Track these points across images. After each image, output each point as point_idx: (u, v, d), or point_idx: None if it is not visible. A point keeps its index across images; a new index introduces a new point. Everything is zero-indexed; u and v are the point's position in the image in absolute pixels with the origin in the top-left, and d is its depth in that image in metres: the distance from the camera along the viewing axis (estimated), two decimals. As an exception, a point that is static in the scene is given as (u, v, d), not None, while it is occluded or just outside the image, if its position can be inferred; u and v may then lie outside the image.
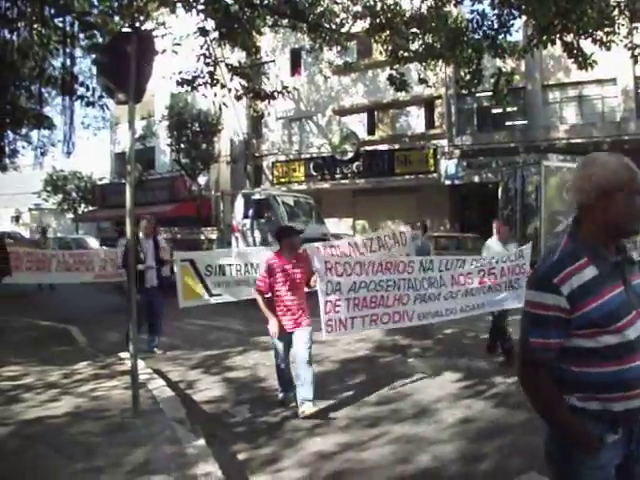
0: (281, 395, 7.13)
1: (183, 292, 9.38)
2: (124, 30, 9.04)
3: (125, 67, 6.01)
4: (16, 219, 54.66)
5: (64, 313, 14.77)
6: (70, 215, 43.69)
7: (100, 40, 11.42)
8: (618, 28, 11.71)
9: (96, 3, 11.38)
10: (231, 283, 9.80)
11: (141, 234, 10.09)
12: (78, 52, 13.52)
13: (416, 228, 12.80)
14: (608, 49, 11.76)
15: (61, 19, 10.86)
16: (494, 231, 9.67)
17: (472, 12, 12.12)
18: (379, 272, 7.57)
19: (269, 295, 6.92)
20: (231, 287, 9.80)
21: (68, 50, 11.36)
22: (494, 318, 9.16)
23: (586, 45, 11.91)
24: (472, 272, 8.43)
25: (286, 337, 6.78)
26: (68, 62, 11.60)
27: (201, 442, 5.38)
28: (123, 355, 9.06)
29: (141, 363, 7.87)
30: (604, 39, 11.60)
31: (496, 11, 11.81)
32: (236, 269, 9.84)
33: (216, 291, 9.65)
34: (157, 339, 10.28)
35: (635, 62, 12.58)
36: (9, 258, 13.39)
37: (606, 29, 11.48)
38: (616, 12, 11.65)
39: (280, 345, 6.86)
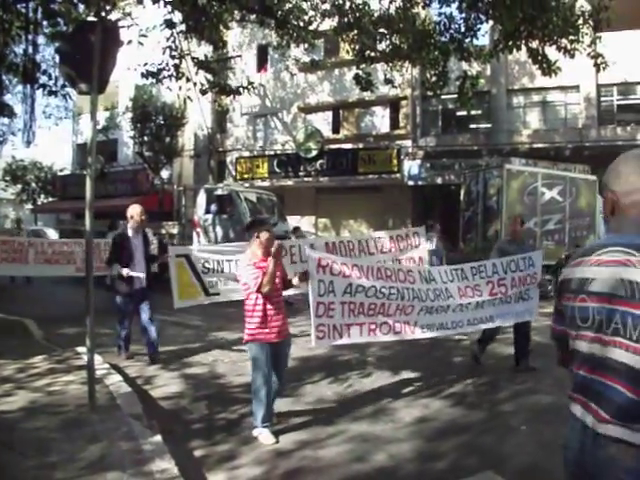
0: (261, 431, 5.75)
1: (178, 291, 8.71)
2: (89, 19, 8.92)
3: (88, 57, 5.92)
4: (-27, 208, 53.62)
5: (35, 309, 13.47)
6: (29, 206, 42.96)
7: (64, 28, 11.25)
8: (582, 37, 11.90)
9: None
10: (230, 281, 8.82)
11: (130, 228, 9.15)
12: (41, 39, 13.32)
13: (433, 230, 12.06)
14: (572, 57, 11.94)
15: (24, 5, 10.68)
16: (504, 232, 9.59)
17: (440, 15, 12.28)
18: (380, 279, 6.78)
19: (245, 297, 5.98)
20: (230, 286, 8.84)
21: (30, 37, 11.18)
22: (516, 327, 8.52)
23: (551, 52, 12.09)
24: (480, 284, 7.71)
25: (268, 347, 5.80)
26: (30, 49, 11.42)
27: (157, 438, 5.33)
28: (80, 349, 8.93)
29: (98, 358, 7.77)
30: (568, 47, 11.79)
31: (463, 15, 11.92)
32: (236, 265, 8.79)
33: (214, 290, 8.99)
34: (156, 344, 9.08)
35: (597, 70, 12.75)
36: None
37: (570, 37, 11.66)
38: (580, 21, 11.83)
39: (263, 357, 5.76)
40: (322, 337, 6.31)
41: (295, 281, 6.29)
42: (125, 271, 8.79)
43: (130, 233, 9.12)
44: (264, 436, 5.65)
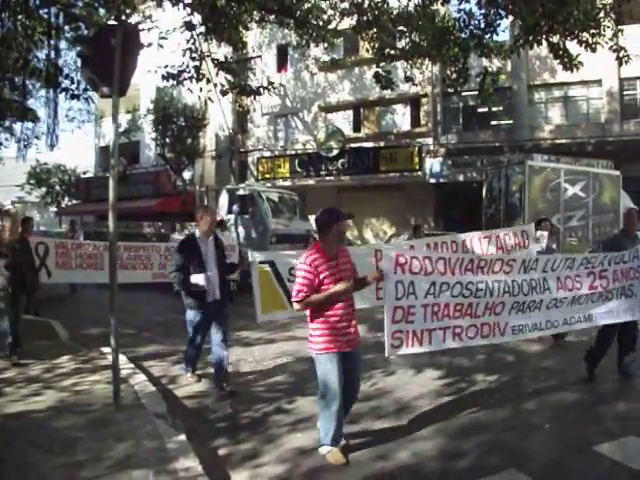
0: (330, 449, 5.27)
1: (262, 303, 7.69)
2: (109, 23, 9.00)
3: (109, 60, 5.99)
4: (-1, 212, 54.15)
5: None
6: (53, 209, 43.38)
7: (85, 32, 11.35)
8: (603, 30, 11.78)
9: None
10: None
11: (197, 232, 7.71)
12: (63, 44, 13.47)
13: (543, 227, 10.89)
14: (594, 51, 11.83)
15: (46, 10, 10.80)
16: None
17: (459, 11, 12.17)
18: (468, 271, 6.06)
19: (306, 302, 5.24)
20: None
21: (53, 42, 11.31)
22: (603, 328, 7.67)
23: (572, 46, 11.97)
24: (581, 274, 6.98)
25: (339, 357, 5.22)
26: (53, 54, 11.55)
27: (182, 437, 5.39)
28: (105, 350, 9.02)
29: (123, 358, 7.86)
30: (590, 41, 11.67)
31: (483, 11, 11.85)
32: None
33: None
34: (226, 371, 7.71)
35: (620, 64, 12.62)
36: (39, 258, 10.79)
37: (592, 31, 11.54)
38: (602, 14, 11.72)
39: (334, 369, 5.17)
40: (398, 345, 5.64)
41: (370, 279, 5.70)
42: (194, 279, 7.33)
43: (199, 237, 7.61)
44: (334, 454, 5.20)
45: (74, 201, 40.21)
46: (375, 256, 8.21)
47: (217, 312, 7.56)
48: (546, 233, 10.87)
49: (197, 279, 7.30)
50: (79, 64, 15.92)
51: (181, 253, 7.57)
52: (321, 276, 5.15)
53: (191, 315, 7.62)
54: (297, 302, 5.23)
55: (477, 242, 9.00)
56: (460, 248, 8.79)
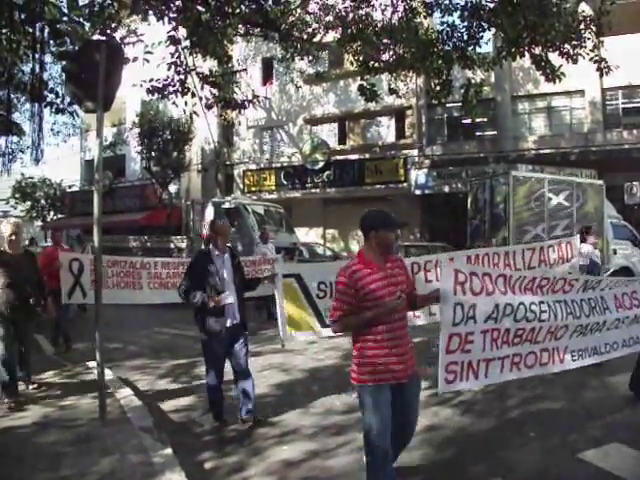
0: None
1: (289, 321, 7.06)
2: (93, 38, 9.00)
3: (93, 75, 6.01)
4: (-17, 226, 53.85)
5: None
6: (39, 223, 43.20)
7: (70, 47, 11.35)
8: (584, 42, 11.93)
9: (66, 11, 11.30)
10: None
11: (213, 250, 6.70)
12: (48, 58, 13.42)
13: (587, 236, 10.29)
14: (575, 62, 11.98)
15: (31, 25, 10.79)
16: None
17: (442, 24, 12.36)
18: (528, 291, 5.20)
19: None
20: None
21: (38, 56, 11.29)
22: None
23: (554, 58, 12.12)
24: (637, 290, 6.24)
25: (388, 390, 4.41)
26: (37, 68, 11.52)
27: (168, 451, 5.38)
28: (91, 364, 8.99)
29: (109, 372, 7.84)
30: (571, 52, 11.82)
31: (466, 23, 11.99)
32: None
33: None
34: (254, 403, 6.70)
35: (601, 75, 12.79)
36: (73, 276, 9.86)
37: (573, 42, 11.70)
38: (582, 26, 11.88)
39: (381, 404, 4.38)
40: (452, 380, 4.78)
41: (422, 302, 4.87)
42: (225, 298, 6.39)
43: (213, 253, 6.64)
44: None
45: (59, 215, 40.07)
46: (424, 270, 7.62)
47: (236, 337, 6.59)
48: (590, 245, 10.29)
49: (227, 298, 6.38)
50: (64, 78, 15.91)
51: (194, 272, 6.61)
52: (363, 292, 4.30)
53: (204, 339, 6.59)
54: (332, 321, 4.49)
55: (520, 255, 8.44)
56: (502, 261, 8.20)
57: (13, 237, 7.51)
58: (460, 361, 4.79)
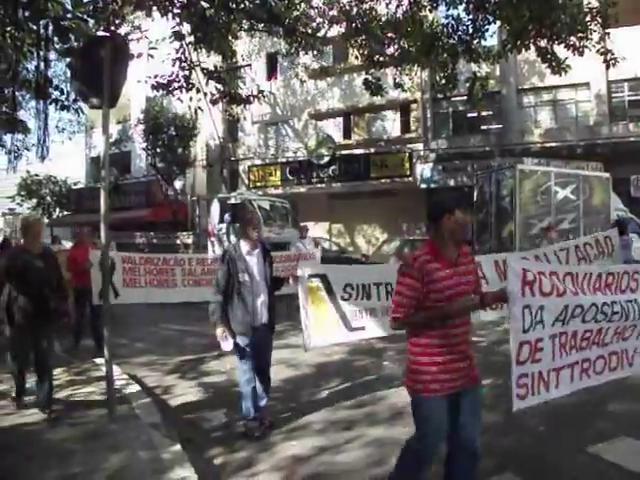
0: None
1: (313, 324, 6.67)
2: (98, 35, 8.99)
3: (99, 72, 6.00)
4: (-11, 223, 54.05)
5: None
6: (45, 220, 43.29)
7: (75, 44, 11.34)
8: (590, 34, 11.88)
9: (70, 8, 11.29)
10: (378, 312, 6.98)
11: (244, 244, 6.30)
12: (52, 55, 13.43)
13: (626, 230, 9.50)
14: (581, 54, 11.93)
15: (35, 22, 10.79)
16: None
17: (447, 17, 12.31)
18: (598, 291, 4.65)
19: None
20: (378, 317, 6.98)
21: (42, 53, 11.29)
22: None
23: (559, 50, 12.06)
24: None
25: (444, 401, 3.90)
26: (42, 65, 11.52)
27: (177, 447, 5.38)
28: (98, 361, 9.00)
29: (117, 369, 7.83)
30: (577, 44, 11.77)
31: (471, 16, 11.94)
32: (386, 290, 6.97)
33: (357, 323, 6.94)
34: (265, 404, 6.47)
35: (607, 67, 12.74)
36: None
37: (579, 34, 11.64)
38: (588, 18, 11.81)
39: (437, 417, 3.89)
40: (524, 395, 4.23)
41: (489, 300, 4.10)
42: (219, 333, 6.08)
43: (244, 248, 6.28)
44: None
45: (65, 212, 40.14)
46: (495, 268, 7.22)
47: (263, 338, 6.29)
48: (630, 237, 9.59)
49: (227, 345, 6.09)
50: (69, 75, 15.90)
51: (225, 269, 6.16)
52: (431, 286, 3.77)
53: (239, 340, 6.15)
54: (395, 320, 3.90)
55: (553, 256, 7.99)
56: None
57: (36, 235, 6.82)
58: (530, 373, 4.25)
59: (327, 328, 6.77)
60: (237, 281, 6.09)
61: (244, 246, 6.27)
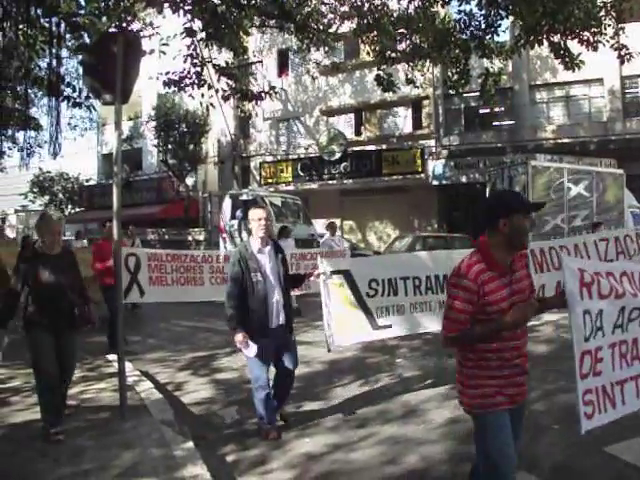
0: None
1: (336, 322, 6.47)
2: (110, 31, 9.00)
3: (111, 68, 6.00)
4: (2, 220, 54.33)
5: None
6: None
7: (87, 41, 11.37)
8: (605, 29, 11.77)
9: (83, 4, 11.32)
10: (406, 308, 6.80)
11: (254, 239, 6.03)
12: (64, 52, 13.49)
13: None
14: (595, 49, 11.81)
15: (47, 20, 10.82)
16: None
17: (459, 12, 12.19)
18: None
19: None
20: (406, 314, 6.78)
21: (54, 51, 11.32)
22: None
23: (573, 45, 11.96)
24: None
25: (507, 415, 3.52)
26: (54, 63, 11.55)
27: (189, 444, 5.37)
28: (110, 357, 9.02)
29: (129, 365, 7.85)
30: (591, 39, 11.66)
31: (483, 11, 11.85)
32: (414, 284, 6.83)
33: (383, 321, 6.71)
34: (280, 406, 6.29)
35: (622, 62, 12.62)
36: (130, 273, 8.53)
37: (593, 30, 11.53)
38: (602, 13, 11.70)
39: (503, 433, 3.49)
40: (592, 414, 3.72)
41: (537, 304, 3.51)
42: (240, 339, 5.74)
43: (254, 246, 6.01)
44: None
45: (77, 209, 40.32)
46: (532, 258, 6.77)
47: (282, 340, 5.99)
48: None
49: (251, 351, 5.77)
50: (81, 72, 15.93)
51: (237, 270, 5.90)
52: (487, 298, 3.36)
53: (256, 342, 5.81)
54: (448, 338, 3.48)
55: (593, 247, 7.72)
56: (572, 254, 7.36)
57: (57, 235, 6.16)
58: (594, 387, 3.72)
59: (351, 327, 6.54)
60: (250, 281, 5.82)
61: (255, 244, 5.99)
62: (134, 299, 8.79)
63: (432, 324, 6.85)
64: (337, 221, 29.21)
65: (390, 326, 6.71)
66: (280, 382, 6.10)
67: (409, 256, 7.81)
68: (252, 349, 5.72)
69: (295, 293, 8.98)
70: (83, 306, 6.25)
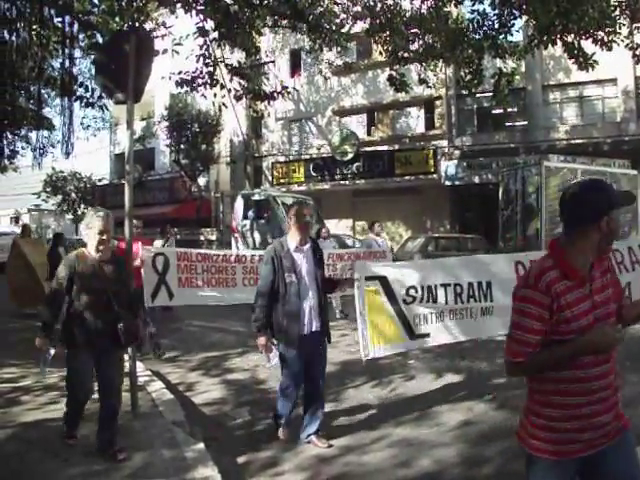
0: None
1: (370, 332, 5.92)
2: (123, 29, 9.01)
3: (124, 66, 5.99)
4: (15, 220, 54.68)
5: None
6: (69, 216, 43.69)
7: (100, 40, 11.40)
8: (619, 28, 11.68)
9: (97, 2, 11.35)
10: (446, 315, 6.28)
11: (292, 236, 5.64)
12: (77, 53, 13.53)
13: None
14: (609, 49, 11.73)
15: (60, 19, 10.86)
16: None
17: (472, 12, 12.14)
18: None
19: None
20: (445, 322, 6.28)
21: (67, 51, 11.36)
22: None
23: (587, 45, 11.88)
24: None
25: (575, 466, 2.79)
26: (67, 63, 11.60)
27: (200, 445, 5.35)
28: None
29: (140, 365, 7.83)
30: (605, 39, 11.58)
31: (497, 11, 11.80)
32: (455, 292, 6.26)
33: (423, 329, 6.18)
34: (317, 424, 5.70)
35: (636, 62, 12.59)
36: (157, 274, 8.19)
37: (607, 29, 11.45)
38: (617, 12, 11.62)
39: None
40: None
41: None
42: (263, 342, 5.49)
43: (291, 244, 5.59)
44: None
45: (90, 208, 40.52)
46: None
47: (314, 347, 5.56)
48: None
49: (272, 357, 5.50)
50: (93, 72, 15.98)
51: (269, 268, 5.50)
52: (562, 314, 2.67)
53: (283, 350, 5.52)
54: (517, 364, 2.80)
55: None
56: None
57: (104, 236, 5.21)
58: None
59: (387, 336, 6.03)
60: (283, 282, 5.40)
61: (292, 242, 5.57)
62: (162, 302, 8.32)
63: (473, 332, 6.61)
64: (349, 222, 29.34)
65: (428, 335, 6.23)
66: (307, 391, 5.74)
67: (450, 261, 7.07)
68: (274, 356, 5.40)
69: (333, 295, 8.93)
70: (131, 320, 5.33)
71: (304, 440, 5.63)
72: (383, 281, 5.97)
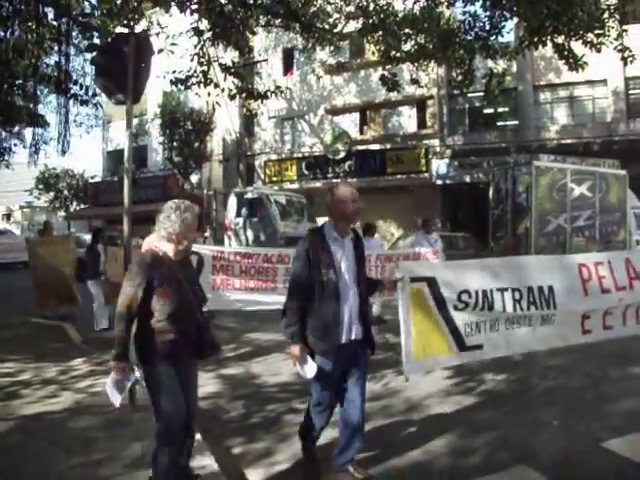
0: None
1: (414, 342, 4.99)
2: (122, 32, 9.11)
3: (123, 68, 6.11)
4: (7, 217, 54.55)
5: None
6: (62, 213, 43.64)
7: (97, 41, 11.49)
8: (608, 30, 11.87)
9: (95, 3, 11.43)
10: (501, 324, 5.45)
11: (330, 225, 4.81)
12: (72, 51, 13.59)
13: None
14: (598, 51, 11.92)
15: (57, 19, 10.95)
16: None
17: (464, 13, 12.34)
18: None
19: None
20: (500, 332, 5.45)
21: (62, 49, 11.44)
22: None
23: (577, 47, 12.06)
24: None
25: None
26: (62, 61, 11.67)
27: (197, 436, 5.47)
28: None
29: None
30: (594, 41, 11.76)
31: (488, 13, 11.97)
32: (513, 298, 5.41)
33: (473, 340, 5.30)
34: (355, 451, 4.82)
35: (625, 64, 12.72)
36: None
37: (596, 31, 11.64)
38: (606, 15, 11.81)
39: None
40: None
41: None
42: (297, 353, 4.52)
43: (330, 233, 4.70)
44: None
45: (82, 205, 40.47)
46: (626, 269, 6.01)
47: (353, 358, 4.71)
48: None
49: (308, 370, 4.55)
50: (88, 70, 16.06)
51: (303, 264, 4.57)
52: None
53: (318, 361, 4.56)
54: None
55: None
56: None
57: (190, 232, 4.45)
58: None
59: (433, 347, 5.14)
60: (319, 280, 4.49)
61: (330, 231, 4.70)
62: None
63: (532, 344, 5.77)
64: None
65: (481, 347, 5.34)
66: (347, 410, 4.75)
67: (509, 261, 6.11)
68: (311, 368, 4.52)
69: (375, 299, 8.22)
70: (209, 329, 4.55)
71: (336, 468, 4.82)
72: (431, 282, 5.10)
